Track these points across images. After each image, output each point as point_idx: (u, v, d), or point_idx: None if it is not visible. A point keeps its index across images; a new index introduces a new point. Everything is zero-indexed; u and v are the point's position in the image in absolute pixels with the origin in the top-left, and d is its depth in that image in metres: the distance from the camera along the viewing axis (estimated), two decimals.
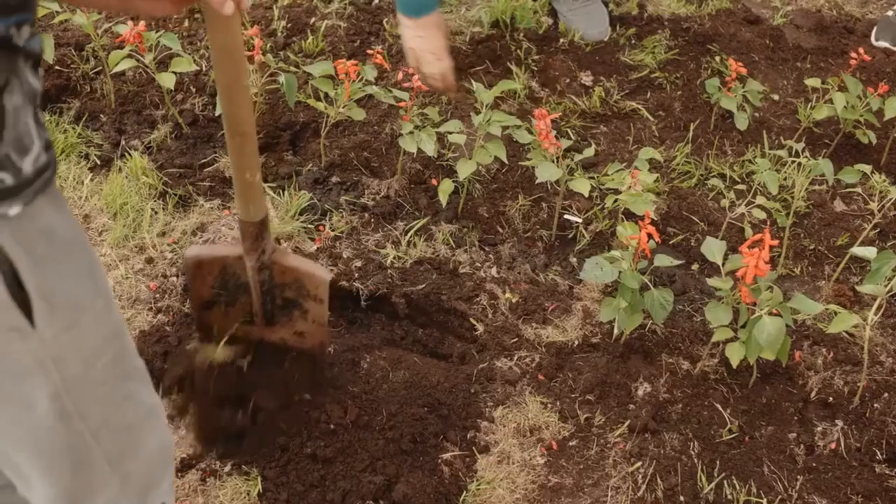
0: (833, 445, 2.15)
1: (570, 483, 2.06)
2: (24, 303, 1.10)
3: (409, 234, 2.57)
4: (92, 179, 2.63)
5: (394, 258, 2.50)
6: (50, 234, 1.13)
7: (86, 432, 1.28)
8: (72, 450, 1.28)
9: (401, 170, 2.71)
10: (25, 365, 1.16)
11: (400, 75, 2.82)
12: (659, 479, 2.06)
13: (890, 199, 2.48)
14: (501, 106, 2.94)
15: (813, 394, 2.25)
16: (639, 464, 2.09)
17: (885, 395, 2.25)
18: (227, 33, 1.47)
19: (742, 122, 2.91)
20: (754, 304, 2.05)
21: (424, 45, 2.72)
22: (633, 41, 3.30)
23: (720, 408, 2.20)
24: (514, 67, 3.10)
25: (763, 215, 2.46)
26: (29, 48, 1.00)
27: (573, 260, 2.58)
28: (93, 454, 1.30)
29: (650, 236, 2.12)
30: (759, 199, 2.46)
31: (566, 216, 2.66)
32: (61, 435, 1.25)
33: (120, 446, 1.35)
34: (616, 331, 2.31)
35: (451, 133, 2.56)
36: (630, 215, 2.46)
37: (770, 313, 2.02)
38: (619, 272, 2.14)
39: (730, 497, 2.05)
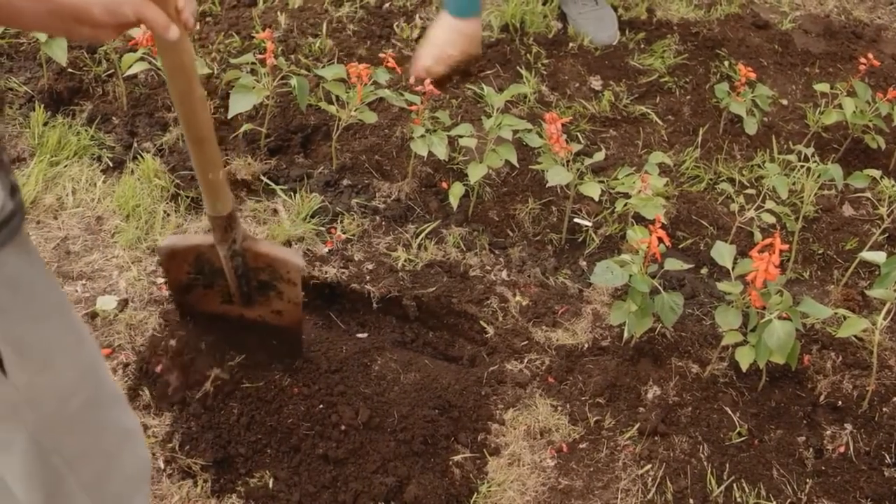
0: (842, 449, 2.16)
1: (581, 485, 2.07)
2: None
3: (419, 237, 2.58)
4: (104, 181, 2.65)
5: (405, 261, 2.51)
6: (15, 283, 1.11)
7: (61, 465, 1.28)
8: (46, 481, 1.29)
9: (412, 173, 2.72)
10: (0, 412, 1.16)
11: (412, 79, 2.84)
12: (668, 482, 2.07)
13: None
14: (512, 110, 2.95)
15: (822, 397, 2.25)
16: (648, 466, 2.10)
17: (894, 399, 2.25)
18: (177, 52, 1.52)
19: (751, 126, 2.92)
20: (764, 308, 2.06)
21: (441, 42, 2.81)
22: (643, 45, 3.31)
23: (729, 411, 2.21)
24: (523, 71, 3.11)
25: (772, 219, 2.47)
26: None
27: (583, 263, 2.59)
28: (66, 484, 1.31)
29: (660, 240, 2.13)
30: (769, 204, 2.47)
31: (576, 220, 2.68)
32: (37, 470, 1.26)
33: (97, 472, 1.36)
34: (626, 334, 2.32)
35: (461, 136, 2.58)
36: (640, 219, 2.48)
37: (779, 317, 2.03)
38: (630, 276, 2.15)
39: (739, 500, 2.05)
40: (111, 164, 2.72)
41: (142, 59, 2.64)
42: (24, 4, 1.16)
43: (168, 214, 2.56)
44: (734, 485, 2.08)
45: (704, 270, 2.60)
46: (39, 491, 1.29)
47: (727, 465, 2.11)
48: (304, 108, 2.73)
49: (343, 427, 2.08)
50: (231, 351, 2.15)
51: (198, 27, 1.47)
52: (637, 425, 2.17)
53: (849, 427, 2.19)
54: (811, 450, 2.16)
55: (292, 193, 2.65)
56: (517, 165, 2.65)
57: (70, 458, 1.29)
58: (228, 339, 2.16)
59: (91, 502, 1.36)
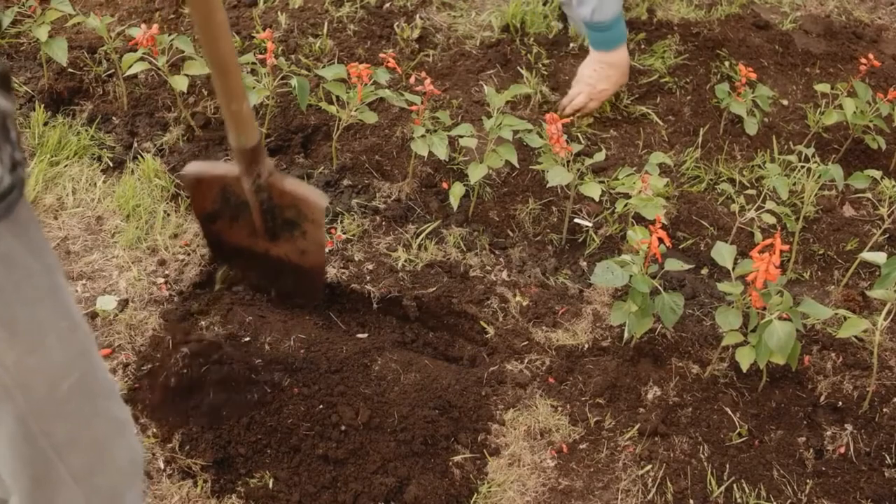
0: (842, 450, 2.16)
1: (581, 486, 2.07)
2: None
3: (419, 238, 2.58)
4: (104, 181, 2.65)
5: (405, 261, 2.51)
6: (8, 261, 1.11)
7: (49, 450, 1.28)
8: (33, 465, 1.29)
9: (412, 173, 2.72)
10: None
11: (412, 79, 2.84)
12: (669, 483, 2.07)
13: None
14: (513, 111, 2.95)
15: (822, 398, 2.25)
16: (649, 467, 2.10)
17: (895, 399, 2.25)
18: None
19: (751, 126, 2.92)
20: (764, 309, 2.06)
21: (594, 80, 2.90)
22: (643, 46, 3.31)
23: (730, 411, 2.21)
24: (524, 72, 3.11)
25: (772, 220, 2.47)
26: None
27: (583, 264, 2.59)
28: (55, 470, 1.31)
29: (661, 240, 2.13)
30: (769, 204, 2.47)
31: (576, 220, 2.68)
32: (23, 451, 1.26)
33: (88, 462, 1.36)
34: (626, 334, 2.32)
35: (462, 137, 2.57)
36: (640, 219, 2.47)
37: (780, 318, 2.03)
38: (630, 276, 2.15)
39: (739, 500, 2.05)
40: (111, 164, 2.72)
41: (142, 59, 2.64)
42: None
43: (168, 214, 2.56)
44: (734, 485, 2.08)
45: (705, 271, 2.60)
46: (26, 475, 1.29)
47: (727, 466, 2.11)
48: (305, 108, 2.73)
49: (343, 427, 2.08)
50: (254, 287, 2.14)
51: None
52: (637, 426, 2.17)
53: (849, 428, 2.19)
54: (811, 450, 2.16)
55: None
56: (517, 166, 2.65)
57: (59, 445, 1.29)
58: (253, 272, 2.14)
59: (81, 493, 1.36)
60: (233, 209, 2.00)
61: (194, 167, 1.97)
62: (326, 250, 2.05)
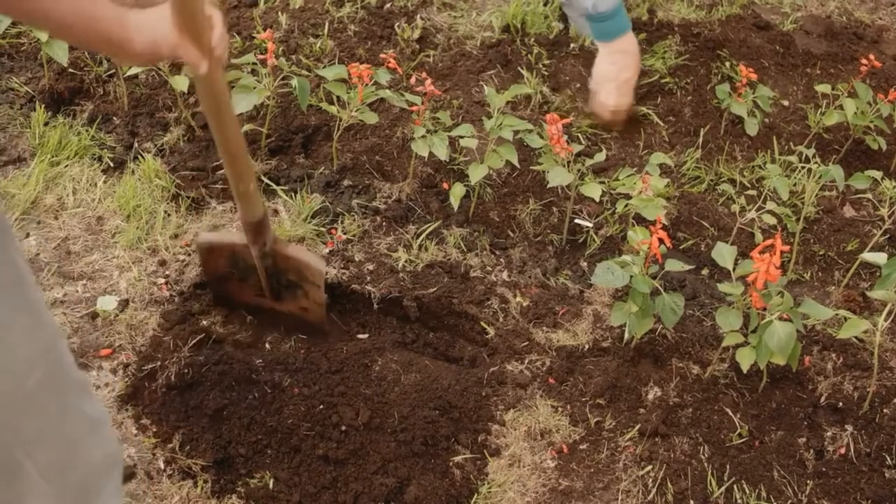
0: (843, 450, 2.16)
1: (581, 486, 2.07)
2: None
3: (420, 238, 2.58)
4: (105, 182, 2.64)
5: (405, 261, 2.51)
6: None
7: (15, 446, 1.28)
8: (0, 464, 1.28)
9: (412, 173, 2.72)
10: None
11: (413, 79, 2.84)
12: (669, 483, 2.07)
13: None
14: (513, 111, 2.95)
15: (823, 399, 2.25)
16: (649, 468, 2.10)
17: (895, 400, 2.25)
18: (209, 80, 1.71)
19: (752, 127, 2.92)
20: (764, 309, 2.06)
21: (613, 73, 2.85)
22: (644, 46, 3.30)
23: (730, 412, 2.21)
24: (524, 72, 3.11)
25: (773, 221, 2.47)
26: None
27: (584, 264, 2.59)
28: (22, 467, 1.30)
29: (661, 241, 2.13)
30: (770, 205, 2.47)
31: (577, 220, 2.67)
32: None
33: (59, 460, 1.36)
34: (626, 335, 2.32)
35: (462, 137, 2.57)
36: (641, 220, 2.47)
37: (780, 318, 2.03)
38: (630, 277, 2.15)
39: (740, 501, 2.05)
40: (112, 165, 2.72)
41: None
42: (74, 22, 1.32)
43: (169, 215, 2.56)
44: (735, 486, 2.08)
45: (705, 271, 2.60)
46: None
47: (728, 467, 2.11)
48: (305, 108, 2.73)
49: (343, 428, 2.08)
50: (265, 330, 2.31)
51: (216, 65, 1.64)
52: (638, 426, 2.17)
53: (849, 428, 2.19)
54: (812, 451, 2.16)
55: (293, 194, 2.65)
56: (518, 166, 2.65)
57: (27, 442, 1.29)
58: (262, 322, 2.33)
59: (51, 489, 1.36)
60: (242, 272, 2.23)
61: (207, 236, 2.25)
62: (325, 307, 2.27)
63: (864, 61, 2.83)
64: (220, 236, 2.27)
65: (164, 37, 1.50)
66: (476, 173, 2.51)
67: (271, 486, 2.00)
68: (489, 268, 2.55)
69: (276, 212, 2.62)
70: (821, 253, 2.67)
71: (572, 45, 3.26)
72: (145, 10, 1.52)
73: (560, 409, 2.21)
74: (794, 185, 2.72)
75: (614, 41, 2.85)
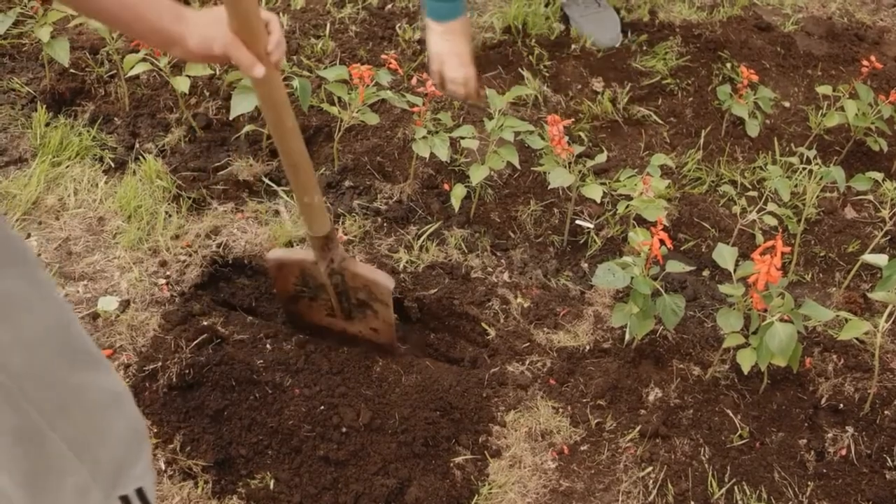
0: (843, 452, 2.16)
1: (582, 487, 2.07)
2: None
3: (421, 239, 2.58)
4: (106, 182, 2.65)
5: (406, 262, 2.51)
6: None
7: (38, 419, 1.29)
8: (22, 435, 1.29)
9: (413, 174, 2.73)
10: None
11: (414, 80, 2.84)
12: (670, 485, 2.07)
13: None
14: (514, 112, 2.95)
15: (823, 400, 2.25)
16: (650, 469, 2.10)
17: None
18: (266, 87, 1.68)
19: (753, 128, 2.92)
20: (765, 311, 2.06)
21: (449, 48, 2.76)
22: (645, 48, 3.31)
23: (731, 413, 2.21)
24: (525, 73, 3.11)
25: (774, 222, 2.47)
26: None
27: (584, 265, 2.59)
28: (48, 440, 1.32)
29: (662, 242, 2.13)
30: (771, 206, 2.47)
31: (578, 221, 2.68)
32: (10, 420, 1.27)
33: (83, 432, 1.37)
34: (627, 336, 2.32)
35: (463, 138, 2.58)
36: (641, 221, 2.47)
37: (781, 320, 2.03)
38: (631, 278, 2.15)
39: (740, 502, 2.05)
40: (113, 165, 2.72)
41: (144, 59, 2.64)
42: (131, 16, 1.40)
43: (170, 215, 2.56)
44: (735, 487, 2.08)
45: (706, 273, 2.60)
46: (17, 444, 1.30)
47: (728, 468, 2.11)
48: (306, 109, 2.74)
49: (344, 429, 2.08)
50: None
51: (273, 69, 1.64)
52: (638, 427, 2.17)
53: (850, 430, 2.19)
54: (812, 452, 2.16)
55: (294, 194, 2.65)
56: (519, 167, 2.65)
57: (48, 412, 1.30)
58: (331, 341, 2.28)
59: (84, 466, 1.37)
60: (312, 291, 2.19)
61: (276, 253, 2.17)
62: (395, 327, 2.24)
63: (865, 63, 2.83)
64: (289, 253, 2.18)
65: (218, 37, 1.52)
66: (477, 174, 2.51)
67: (272, 486, 2.00)
68: (490, 269, 2.55)
69: (276, 212, 2.62)
70: (822, 254, 2.67)
71: (573, 47, 3.26)
72: (204, 10, 1.55)
73: (561, 410, 2.21)
74: (795, 186, 2.72)
75: (448, 23, 2.76)
